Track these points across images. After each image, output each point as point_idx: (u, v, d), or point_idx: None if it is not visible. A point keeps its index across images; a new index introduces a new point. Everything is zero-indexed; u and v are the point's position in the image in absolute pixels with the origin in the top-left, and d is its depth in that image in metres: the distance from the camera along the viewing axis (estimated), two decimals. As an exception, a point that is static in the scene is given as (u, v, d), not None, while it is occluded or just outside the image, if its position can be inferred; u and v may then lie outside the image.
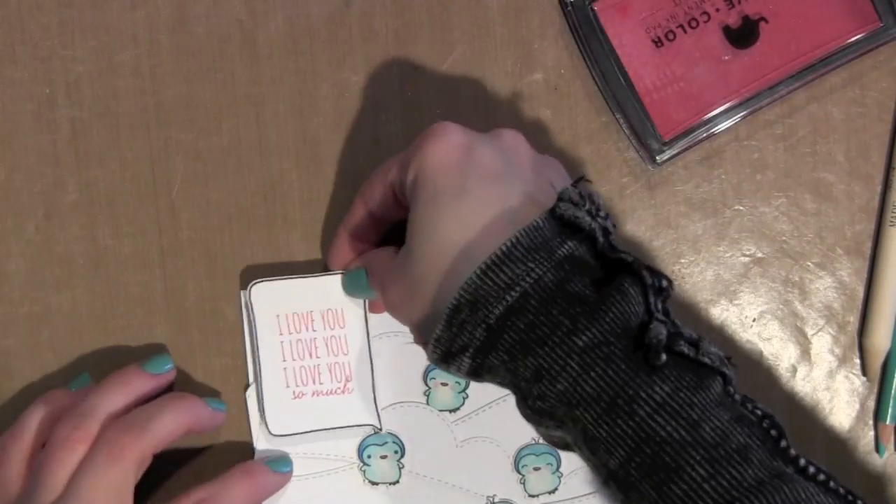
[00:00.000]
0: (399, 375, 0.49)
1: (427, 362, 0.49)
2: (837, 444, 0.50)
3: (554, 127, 0.49)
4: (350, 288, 0.48)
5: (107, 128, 0.50)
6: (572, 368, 0.37)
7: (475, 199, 0.39)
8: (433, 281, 0.39)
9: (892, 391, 0.49)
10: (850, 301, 0.50)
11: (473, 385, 0.48)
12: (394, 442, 0.49)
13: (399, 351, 0.49)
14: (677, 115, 0.48)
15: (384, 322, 0.48)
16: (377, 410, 0.48)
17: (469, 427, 0.49)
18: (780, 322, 0.50)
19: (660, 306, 0.38)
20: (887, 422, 0.49)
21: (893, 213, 0.49)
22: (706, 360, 0.37)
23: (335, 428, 0.48)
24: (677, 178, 0.50)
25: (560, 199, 0.39)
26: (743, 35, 0.48)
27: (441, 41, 0.49)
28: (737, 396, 0.38)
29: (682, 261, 0.50)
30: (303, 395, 0.48)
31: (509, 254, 0.37)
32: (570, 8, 0.48)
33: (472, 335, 0.38)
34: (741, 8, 0.48)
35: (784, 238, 0.50)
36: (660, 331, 0.37)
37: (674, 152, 0.48)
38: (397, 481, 0.49)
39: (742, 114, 0.48)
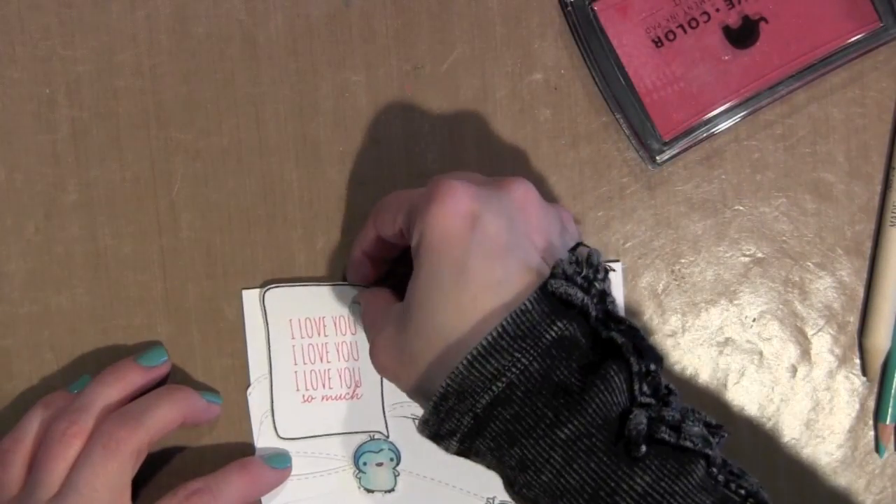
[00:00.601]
0: None
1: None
2: (837, 444, 0.50)
3: (554, 127, 0.49)
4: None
5: (107, 128, 0.50)
6: (556, 461, 0.37)
7: (475, 281, 0.38)
8: (424, 362, 0.39)
9: (892, 391, 0.49)
10: (850, 301, 0.50)
11: None
12: (390, 450, 0.49)
13: None
14: (677, 115, 0.48)
15: None
16: (385, 417, 0.49)
17: None
18: (780, 322, 0.50)
19: (646, 388, 0.38)
20: (887, 422, 0.49)
21: (893, 213, 0.49)
22: (688, 443, 0.37)
23: (343, 433, 0.49)
24: (677, 178, 0.50)
25: (553, 274, 0.38)
26: (743, 35, 0.48)
27: (441, 41, 0.49)
28: (720, 477, 0.38)
29: (682, 261, 0.50)
30: (312, 399, 0.48)
31: (496, 344, 0.37)
32: (570, 8, 0.48)
33: (460, 422, 0.38)
34: (741, 8, 0.48)
35: (784, 238, 0.50)
36: (640, 420, 0.37)
37: (674, 152, 0.48)
38: (392, 489, 0.49)
39: (742, 114, 0.48)
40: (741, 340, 0.50)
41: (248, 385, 0.49)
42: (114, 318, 0.50)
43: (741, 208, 0.50)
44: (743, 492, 0.38)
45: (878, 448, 0.50)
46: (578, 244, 0.42)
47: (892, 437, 0.49)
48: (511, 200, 0.40)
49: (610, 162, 0.50)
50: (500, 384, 0.37)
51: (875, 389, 0.50)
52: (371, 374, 0.48)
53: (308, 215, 0.50)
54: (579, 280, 0.39)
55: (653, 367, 0.38)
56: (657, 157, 0.48)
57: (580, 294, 0.38)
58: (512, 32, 0.49)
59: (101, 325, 0.50)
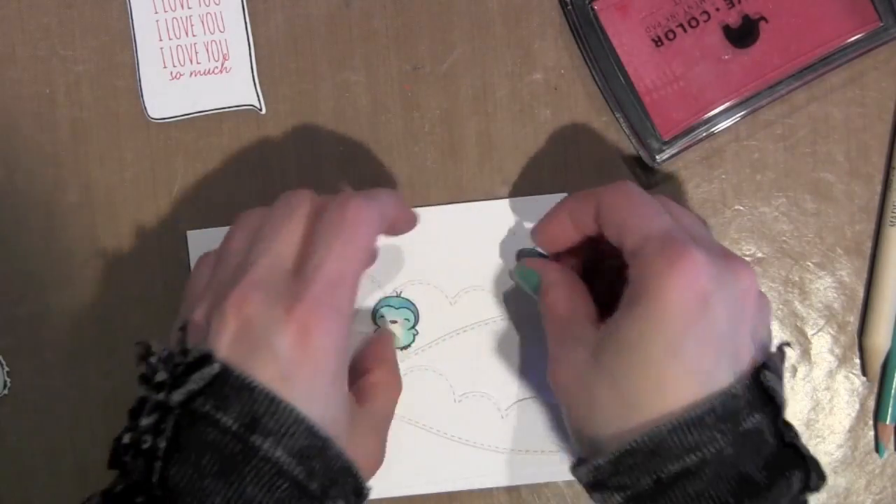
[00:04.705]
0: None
1: (376, 300, 0.49)
2: (837, 444, 0.50)
3: (554, 127, 0.49)
4: (519, 279, 0.46)
5: (107, 128, 0.50)
6: None
7: (683, 364, 0.38)
8: (615, 411, 0.38)
9: (892, 391, 0.49)
10: (850, 301, 0.50)
11: (423, 321, 0.49)
12: (409, 310, 0.49)
13: None
14: (677, 115, 0.48)
15: None
16: (257, 91, 0.48)
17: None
18: (780, 322, 0.50)
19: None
20: (887, 422, 0.49)
21: (893, 213, 0.49)
22: None
23: (216, 110, 0.48)
24: (677, 177, 0.50)
25: (766, 366, 0.39)
26: (743, 34, 0.48)
27: (441, 41, 0.49)
28: None
29: (682, 261, 0.50)
30: (181, 75, 0.47)
31: (702, 418, 0.37)
32: (570, 8, 0.48)
33: (637, 481, 0.37)
34: (741, 7, 0.48)
35: (784, 238, 0.50)
36: None
37: (674, 152, 0.48)
38: (409, 345, 0.49)
39: (742, 114, 0.48)
40: (741, 340, 0.50)
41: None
42: (114, 318, 0.50)
43: (741, 208, 0.50)
44: None
45: (878, 448, 0.50)
46: (785, 343, 0.42)
47: (892, 437, 0.49)
48: (738, 289, 0.40)
49: (610, 162, 0.50)
50: (693, 457, 0.37)
51: (875, 389, 0.50)
52: (239, 47, 0.47)
53: (308, 215, 0.50)
54: (781, 381, 0.39)
55: (820, 483, 0.39)
56: (657, 157, 0.48)
57: (782, 393, 0.38)
58: (512, 32, 0.49)
59: (101, 325, 0.50)
